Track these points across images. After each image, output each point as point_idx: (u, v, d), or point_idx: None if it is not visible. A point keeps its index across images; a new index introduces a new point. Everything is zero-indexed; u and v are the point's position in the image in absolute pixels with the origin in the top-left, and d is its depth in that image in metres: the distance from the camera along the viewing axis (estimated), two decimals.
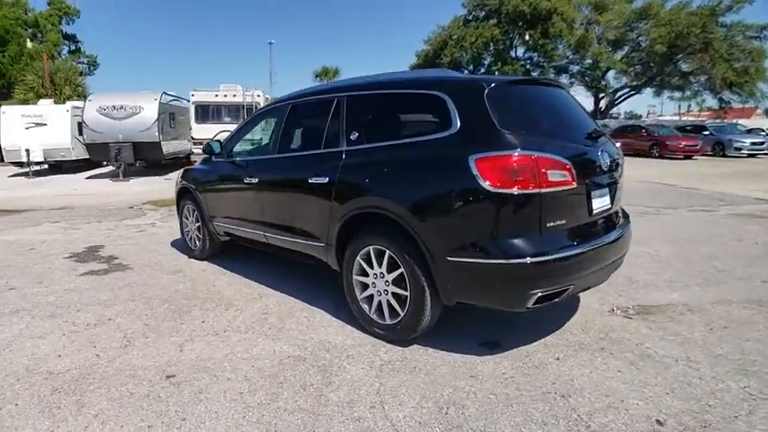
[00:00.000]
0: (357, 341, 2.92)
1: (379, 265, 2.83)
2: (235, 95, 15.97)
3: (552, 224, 2.40)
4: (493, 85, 2.57)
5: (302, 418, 2.13)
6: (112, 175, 14.88)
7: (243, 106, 15.82)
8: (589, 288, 2.81)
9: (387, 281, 2.81)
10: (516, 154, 2.32)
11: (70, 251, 5.48)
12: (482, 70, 38.21)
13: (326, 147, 3.25)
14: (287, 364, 2.64)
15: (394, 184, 2.73)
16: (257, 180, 3.81)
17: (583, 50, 33.18)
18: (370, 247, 2.86)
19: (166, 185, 11.49)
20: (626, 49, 34.38)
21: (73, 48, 39.05)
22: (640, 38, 32.65)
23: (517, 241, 2.34)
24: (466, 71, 39.03)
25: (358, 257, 2.96)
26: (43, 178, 15.80)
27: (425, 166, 2.60)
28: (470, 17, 35.86)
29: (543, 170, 2.32)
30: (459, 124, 2.52)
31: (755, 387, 2.30)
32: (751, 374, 2.42)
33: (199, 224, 4.84)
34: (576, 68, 36.36)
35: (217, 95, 15.91)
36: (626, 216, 3.23)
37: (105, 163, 15.79)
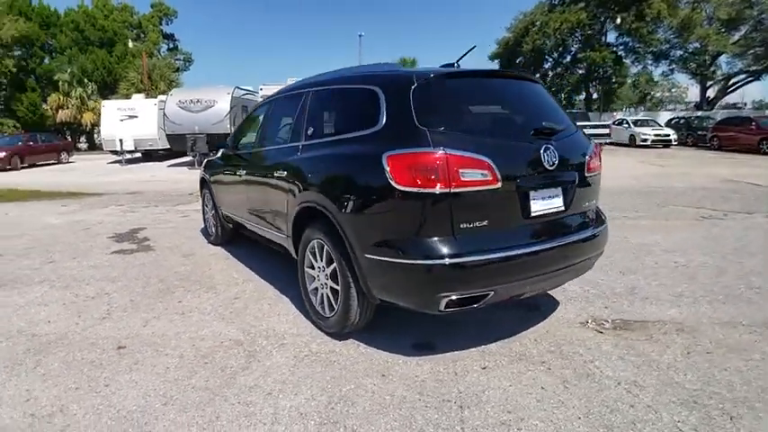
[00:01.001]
0: (300, 331, 3.02)
1: (321, 258, 2.91)
2: None
3: (468, 225, 2.29)
4: (423, 79, 2.50)
5: (202, 396, 2.30)
6: (190, 164, 16.42)
7: None
8: (523, 296, 2.61)
9: (326, 274, 2.87)
10: (425, 152, 2.24)
11: (115, 232, 6.25)
12: (568, 58, 35.86)
13: (291, 141, 3.38)
14: (223, 347, 2.83)
15: (327, 179, 2.78)
16: (245, 172, 4.07)
17: (687, 33, 29.68)
18: (314, 241, 2.94)
19: None
20: (743, 29, 30.11)
21: (171, 46, 43.50)
22: (762, 15, 28.38)
23: (426, 241, 2.28)
24: (550, 59, 36.89)
25: (307, 250, 3.06)
26: (134, 165, 17.95)
27: (351, 163, 2.62)
28: (556, 1, 33.73)
29: (456, 169, 2.22)
30: (384, 120, 2.50)
31: (691, 423, 2.02)
32: (697, 409, 2.12)
33: (213, 212, 5.26)
34: (678, 53, 32.66)
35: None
36: (599, 219, 2.95)
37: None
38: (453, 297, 2.29)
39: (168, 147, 17.79)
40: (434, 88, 2.51)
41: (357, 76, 2.99)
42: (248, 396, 2.29)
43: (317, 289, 3.03)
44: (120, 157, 18.56)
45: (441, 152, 2.22)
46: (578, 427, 2.00)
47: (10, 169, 16.76)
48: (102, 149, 21.01)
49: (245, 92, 18.60)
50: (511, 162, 2.41)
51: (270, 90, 17.00)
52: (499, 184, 2.31)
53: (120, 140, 18.06)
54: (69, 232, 6.32)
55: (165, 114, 16.70)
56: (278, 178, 3.34)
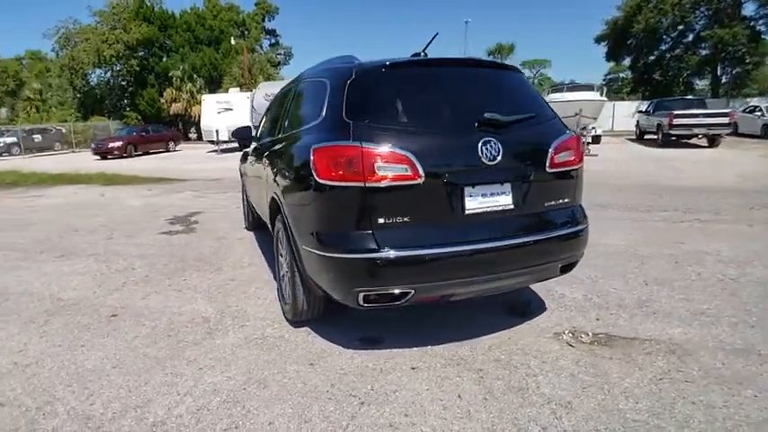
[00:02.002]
0: (266, 315, 3.20)
1: (283, 247, 3.04)
2: None
3: (387, 221, 2.24)
4: (362, 72, 2.48)
5: (147, 364, 2.58)
6: None
7: None
8: (453, 297, 2.46)
9: (287, 263, 3.00)
10: (342, 145, 2.24)
11: (175, 215, 7.04)
12: (690, 37, 31.55)
13: (274, 135, 3.56)
14: (193, 323, 3.11)
15: (280, 171, 2.90)
16: (253, 164, 4.35)
17: None
18: (279, 231, 3.08)
19: None
20: None
21: (272, 41, 46.82)
22: None
23: (344, 235, 2.28)
24: (668, 39, 32.76)
25: (275, 239, 3.22)
26: (229, 154, 19.75)
27: (294, 156, 2.70)
28: None
29: (372, 163, 2.18)
30: (323, 113, 2.53)
31: None
32: None
33: (244, 200, 5.70)
34: None
35: None
36: (571, 220, 2.66)
37: None
38: (370, 293, 2.27)
39: None
40: (371, 81, 2.47)
41: (318, 70, 3.04)
42: (182, 369, 2.52)
43: (283, 276, 3.17)
44: (216, 147, 20.59)
45: (356, 146, 2.20)
46: None
47: (126, 156, 19.54)
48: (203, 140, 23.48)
49: None
50: (440, 157, 2.29)
51: None
52: (421, 180, 2.22)
53: (217, 131, 20.03)
54: (140, 213, 7.27)
55: (252, 106, 18.14)
56: (264, 170, 3.54)
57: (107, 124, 27.10)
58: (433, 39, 2.88)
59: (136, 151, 20.40)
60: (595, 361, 2.50)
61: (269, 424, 2.04)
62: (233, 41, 32.48)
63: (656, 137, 16.35)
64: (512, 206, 2.43)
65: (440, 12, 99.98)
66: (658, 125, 16.00)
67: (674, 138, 15.57)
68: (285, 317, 3.11)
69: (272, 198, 3.11)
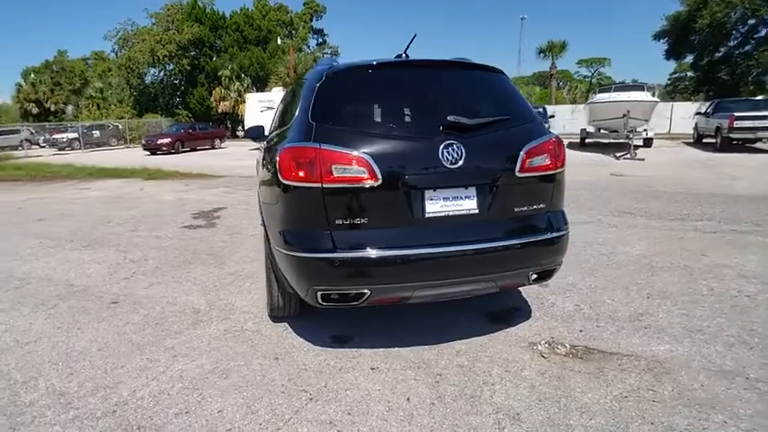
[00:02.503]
0: (251, 310, 3.34)
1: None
2: None
3: (344, 221, 2.29)
4: (332, 74, 2.55)
5: (129, 348, 2.78)
6: None
7: None
8: (413, 300, 2.45)
9: (265, 259, 3.13)
10: (301, 146, 2.32)
11: (200, 210, 7.42)
12: (763, 32, 29.13)
13: (269, 134, 3.69)
14: (183, 313, 3.30)
15: (260, 171, 3.02)
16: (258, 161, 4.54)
17: None
18: (264, 228, 3.22)
19: None
20: None
21: (320, 41, 47.87)
22: None
23: (302, 234, 2.36)
24: (738, 34, 30.43)
25: (263, 236, 3.35)
26: None
27: (269, 156, 2.81)
28: None
29: (329, 164, 2.25)
30: (296, 115, 2.62)
31: None
32: None
33: None
34: None
35: None
36: (547, 227, 2.58)
37: None
38: (327, 292, 2.34)
39: None
40: (339, 84, 2.54)
41: (308, 72, 3.14)
42: (158, 355, 2.69)
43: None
44: (258, 144, 21.31)
45: (315, 147, 2.28)
46: None
47: (173, 152, 20.67)
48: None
49: None
50: (400, 160, 2.32)
51: None
52: (378, 182, 2.26)
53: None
54: (169, 207, 7.72)
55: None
56: (255, 169, 3.69)
57: (159, 121, 28.77)
58: (412, 40, 2.90)
59: (183, 148, 21.53)
60: (563, 374, 2.43)
61: (218, 411, 2.15)
62: (279, 41, 33.53)
63: (714, 140, 15.29)
64: (476, 210, 2.41)
65: (496, 6, 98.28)
66: (717, 128, 14.94)
67: (735, 141, 14.48)
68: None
69: (258, 197, 3.25)
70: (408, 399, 2.23)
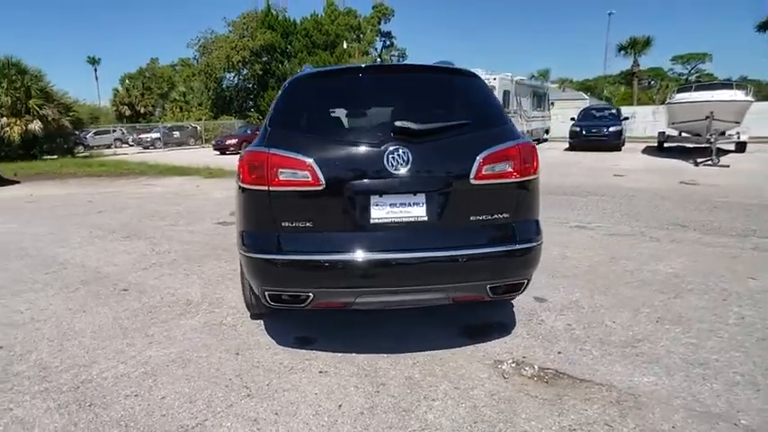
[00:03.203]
0: (238, 305, 3.49)
1: None
2: None
3: (290, 224, 2.36)
4: (296, 79, 2.65)
5: (116, 332, 3.06)
6: None
7: None
8: (356, 306, 2.43)
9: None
10: (254, 150, 2.43)
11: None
12: None
13: None
14: (177, 304, 3.56)
15: None
16: None
17: None
18: None
19: None
20: None
21: (387, 43, 48.50)
22: None
23: (254, 235, 2.47)
24: None
25: None
26: None
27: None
28: None
29: (276, 168, 2.33)
30: (265, 120, 2.74)
31: None
32: None
33: None
34: None
35: None
36: (509, 238, 2.46)
37: None
38: (273, 292, 2.42)
39: None
40: (298, 90, 2.63)
41: None
42: (138, 341, 2.94)
43: None
44: None
45: (265, 151, 2.37)
46: None
47: (239, 152, 21.99)
48: None
49: None
50: (345, 165, 2.34)
51: None
52: (321, 186, 2.30)
53: None
54: (213, 204, 8.27)
55: None
56: None
57: (232, 123, 30.85)
58: (387, 46, 2.89)
59: None
60: (515, 397, 2.30)
61: (161, 398, 2.31)
62: (345, 45, 34.49)
63: None
64: (425, 218, 2.36)
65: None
66: None
67: None
68: None
69: None
70: (340, 406, 2.24)
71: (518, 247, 2.45)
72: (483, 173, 2.37)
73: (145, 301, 3.64)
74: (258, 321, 3.19)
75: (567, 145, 18.05)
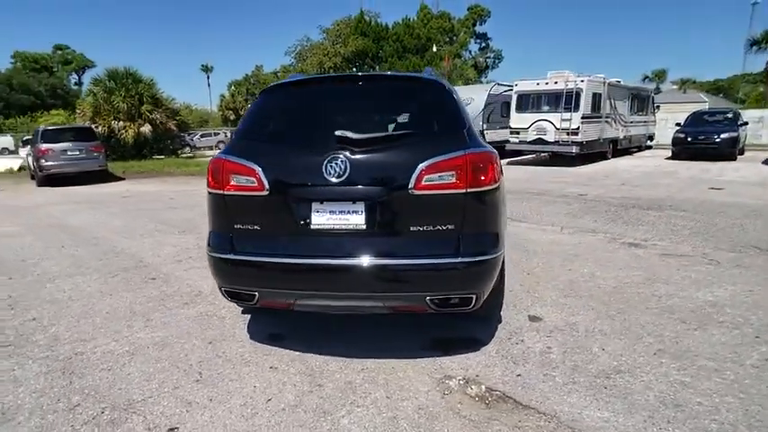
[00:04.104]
0: None
1: None
2: (556, 83, 16.07)
3: (241, 226, 2.59)
4: (268, 88, 2.87)
5: (124, 315, 3.54)
6: None
7: (563, 93, 15.74)
8: (298, 308, 2.57)
9: None
10: (218, 157, 2.70)
11: None
12: None
13: None
14: (188, 294, 4.00)
15: None
16: None
17: None
18: None
19: None
20: None
21: (482, 45, 47.76)
22: None
23: (213, 235, 2.74)
24: None
25: None
26: None
27: None
28: None
29: (228, 173, 2.58)
30: None
31: None
32: None
33: None
34: None
35: (538, 84, 16.48)
36: (454, 251, 2.42)
37: None
38: (228, 289, 2.67)
39: None
40: (266, 99, 2.87)
41: None
42: (137, 324, 3.38)
43: None
44: None
45: (222, 158, 2.64)
46: None
47: None
48: None
49: (507, 88, 19.10)
50: (288, 171, 2.50)
51: (525, 84, 17.06)
52: (265, 192, 2.49)
53: None
54: None
55: None
56: None
57: None
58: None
59: None
60: (442, 414, 2.29)
61: (127, 374, 2.67)
62: (434, 48, 34.67)
63: None
64: (364, 226, 2.44)
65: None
66: None
67: None
68: None
69: None
70: (269, 400, 2.40)
71: (461, 260, 2.41)
72: (423, 183, 2.39)
73: (163, 289, 4.13)
74: (241, 318, 3.47)
75: (669, 153, 16.38)
